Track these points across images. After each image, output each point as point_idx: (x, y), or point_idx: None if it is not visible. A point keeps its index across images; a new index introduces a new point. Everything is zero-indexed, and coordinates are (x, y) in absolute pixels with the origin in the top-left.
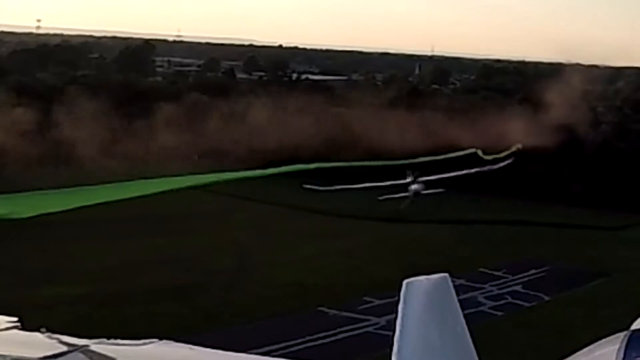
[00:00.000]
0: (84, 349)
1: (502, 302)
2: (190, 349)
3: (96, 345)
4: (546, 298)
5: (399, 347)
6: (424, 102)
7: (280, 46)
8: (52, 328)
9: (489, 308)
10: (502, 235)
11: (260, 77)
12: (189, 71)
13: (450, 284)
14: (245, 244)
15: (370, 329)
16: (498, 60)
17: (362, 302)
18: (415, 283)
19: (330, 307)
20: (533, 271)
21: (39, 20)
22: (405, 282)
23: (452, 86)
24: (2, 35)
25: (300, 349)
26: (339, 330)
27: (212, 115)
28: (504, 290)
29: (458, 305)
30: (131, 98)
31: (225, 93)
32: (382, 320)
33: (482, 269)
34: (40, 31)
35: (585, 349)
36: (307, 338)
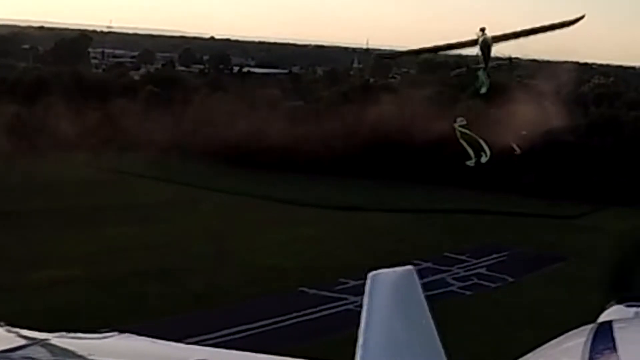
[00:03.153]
0: (43, 343)
1: (469, 282)
2: (152, 342)
3: (56, 339)
4: (510, 279)
5: (364, 340)
6: (380, 96)
7: (212, 38)
8: (55, 307)
9: (458, 288)
10: (461, 224)
11: (201, 70)
12: (124, 62)
13: (416, 276)
14: (217, 231)
15: (350, 306)
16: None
17: (338, 283)
18: (380, 275)
19: (310, 287)
20: (495, 255)
21: None
22: (369, 274)
23: (393, 80)
24: None
25: (288, 324)
26: (321, 307)
27: (174, 110)
28: (470, 272)
29: (424, 298)
30: (84, 91)
31: (176, 86)
32: (359, 299)
33: (446, 254)
34: None
35: (551, 342)
36: (294, 314)
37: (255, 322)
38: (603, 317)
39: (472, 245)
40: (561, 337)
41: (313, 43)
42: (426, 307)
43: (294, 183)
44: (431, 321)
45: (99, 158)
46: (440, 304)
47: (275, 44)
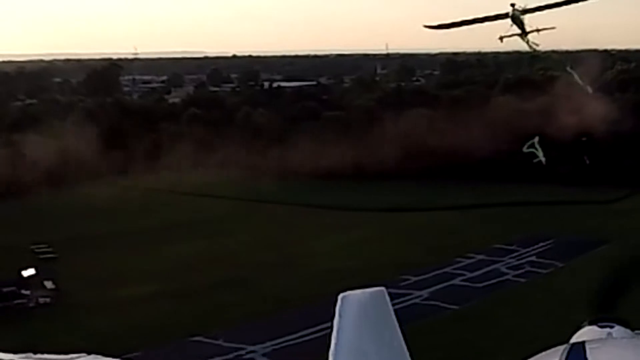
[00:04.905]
0: None
1: (522, 270)
2: None
3: None
4: (559, 264)
5: None
6: (415, 100)
7: (235, 55)
8: (146, 321)
9: (513, 276)
10: (504, 216)
11: (233, 88)
12: (156, 88)
13: (387, 297)
14: (276, 239)
15: (416, 300)
16: (455, 54)
17: (401, 280)
18: (351, 297)
19: (375, 285)
20: (543, 243)
21: None
22: (340, 295)
23: (418, 82)
24: None
25: None
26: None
27: (221, 130)
28: (522, 261)
29: (395, 318)
30: (130, 118)
31: (216, 106)
32: (424, 293)
33: (496, 245)
34: None
35: None
36: None
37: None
38: (576, 338)
39: (520, 236)
40: (535, 357)
41: (334, 53)
42: (397, 328)
43: (338, 189)
44: (402, 342)
45: (168, 179)
46: (498, 293)
47: (297, 56)
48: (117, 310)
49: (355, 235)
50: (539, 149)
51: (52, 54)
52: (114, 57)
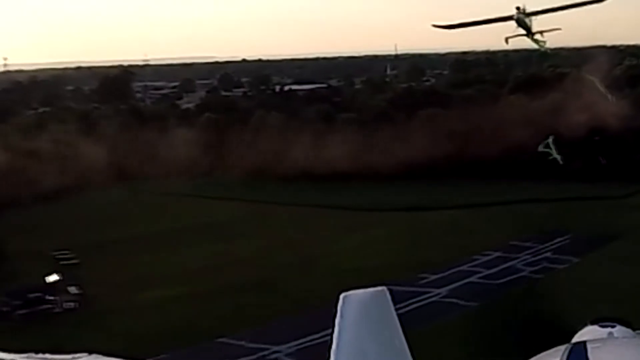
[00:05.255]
0: None
1: (539, 266)
2: None
3: (24, 359)
4: (575, 260)
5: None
6: (427, 100)
7: (245, 60)
8: (170, 323)
9: (529, 272)
10: (519, 214)
11: (244, 92)
12: (167, 94)
13: (389, 296)
14: (296, 241)
15: (435, 298)
16: (464, 53)
17: (419, 278)
18: (352, 296)
19: (395, 284)
20: (558, 239)
21: (5, 59)
22: (342, 295)
23: (428, 82)
24: None
25: None
26: (410, 301)
27: (237, 134)
28: (538, 257)
29: (396, 317)
30: (146, 124)
31: (230, 111)
32: (443, 291)
33: (512, 242)
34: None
35: None
36: None
37: None
38: (577, 338)
39: (535, 232)
40: (536, 357)
41: (343, 55)
42: (399, 327)
43: (354, 190)
44: (404, 341)
45: (187, 184)
46: (516, 290)
47: (306, 59)
48: (142, 313)
49: (373, 235)
50: (553, 149)
51: (63, 62)
52: (124, 63)
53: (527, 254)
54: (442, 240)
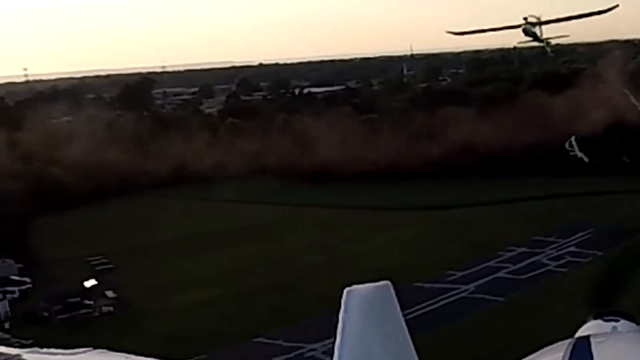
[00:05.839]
0: (16, 358)
1: (563, 261)
2: (126, 357)
3: (29, 355)
4: (599, 253)
5: (340, 355)
6: (446, 99)
7: (261, 64)
8: (207, 324)
9: (554, 267)
10: (542, 209)
11: (264, 96)
12: (188, 99)
13: (393, 291)
14: (323, 242)
15: (464, 294)
16: (478, 51)
17: (447, 275)
18: (356, 291)
19: (424, 282)
20: (581, 234)
21: (25, 69)
22: (346, 290)
23: (445, 82)
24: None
25: (417, 315)
26: (439, 298)
27: (263, 137)
28: (562, 252)
29: (400, 312)
30: (170, 130)
31: (252, 115)
32: (471, 287)
33: (536, 237)
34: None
35: (530, 356)
36: (421, 306)
37: None
38: (581, 332)
39: (558, 227)
40: (540, 352)
41: (358, 56)
42: (402, 322)
43: (379, 190)
44: (407, 336)
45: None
46: (541, 284)
47: (322, 62)
48: (179, 315)
49: (399, 234)
50: (576, 147)
51: (80, 71)
52: (142, 71)
53: (552, 249)
54: (468, 237)
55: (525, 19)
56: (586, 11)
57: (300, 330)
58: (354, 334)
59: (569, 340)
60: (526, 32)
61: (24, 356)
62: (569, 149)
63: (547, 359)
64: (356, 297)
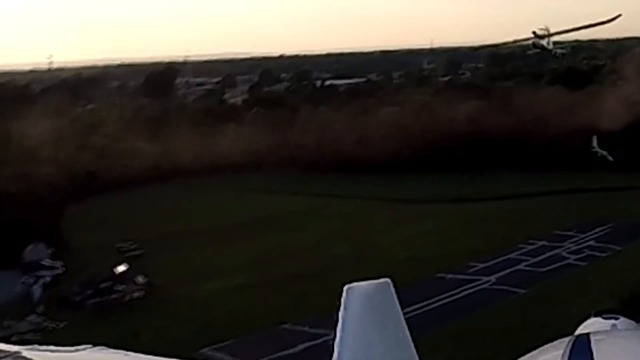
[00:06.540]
0: (15, 356)
1: (583, 254)
2: (125, 354)
3: (28, 352)
4: (618, 248)
5: (339, 353)
6: (467, 93)
7: (282, 55)
8: (235, 310)
9: (574, 260)
10: (561, 203)
11: (287, 88)
12: (211, 90)
13: (392, 288)
14: (348, 233)
15: (484, 285)
16: (496, 46)
17: (469, 267)
18: (355, 288)
19: (446, 273)
20: (600, 228)
21: (50, 56)
22: (345, 287)
23: (465, 76)
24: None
25: (438, 306)
26: (461, 289)
27: (289, 128)
28: (581, 246)
29: (400, 310)
30: (196, 120)
31: (277, 106)
32: (492, 279)
33: (556, 232)
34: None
35: (530, 354)
36: (442, 296)
37: (412, 305)
38: (581, 329)
39: (578, 222)
40: (539, 349)
41: (378, 49)
42: (402, 319)
43: (402, 183)
44: (407, 333)
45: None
46: (561, 277)
47: (342, 54)
48: (208, 302)
49: (422, 227)
50: (597, 146)
51: (104, 59)
52: (165, 60)
53: (571, 243)
54: (490, 229)
55: (534, 32)
56: (592, 22)
57: (327, 319)
58: (353, 331)
59: (568, 338)
60: (535, 46)
61: (24, 353)
62: (595, 149)
63: (546, 357)
64: (356, 294)
